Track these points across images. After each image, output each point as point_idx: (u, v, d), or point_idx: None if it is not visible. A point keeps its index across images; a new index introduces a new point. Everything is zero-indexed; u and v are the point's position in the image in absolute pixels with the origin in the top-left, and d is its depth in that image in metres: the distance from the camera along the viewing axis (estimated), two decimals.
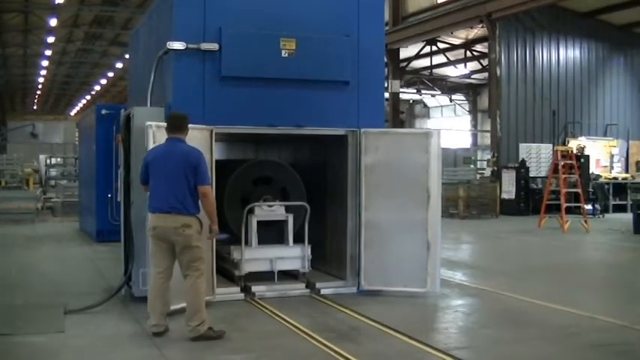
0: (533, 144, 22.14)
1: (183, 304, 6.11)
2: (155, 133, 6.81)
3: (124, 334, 6.29)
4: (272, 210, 8.06)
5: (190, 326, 5.94)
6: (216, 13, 7.61)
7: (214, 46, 7.52)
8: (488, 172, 21.85)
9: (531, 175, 20.93)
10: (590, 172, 20.59)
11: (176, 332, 6.33)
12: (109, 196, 12.13)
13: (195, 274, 6.01)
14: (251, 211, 7.93)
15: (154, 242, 6.14)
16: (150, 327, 6.08)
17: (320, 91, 8.06)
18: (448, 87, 34.53)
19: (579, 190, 16.57)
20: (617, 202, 21.36)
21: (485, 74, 26.73)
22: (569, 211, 16.49)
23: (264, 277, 8.03)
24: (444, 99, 37.30)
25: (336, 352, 5.60)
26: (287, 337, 6.18)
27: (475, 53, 28.79)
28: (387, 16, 22.78)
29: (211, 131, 7.33)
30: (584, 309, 7.30)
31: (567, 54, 23.51)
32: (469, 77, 31.90)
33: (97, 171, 12.91)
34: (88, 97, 54.08)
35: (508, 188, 20.14)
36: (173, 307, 6.44)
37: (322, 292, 7.95)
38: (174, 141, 6.17)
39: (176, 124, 6.22)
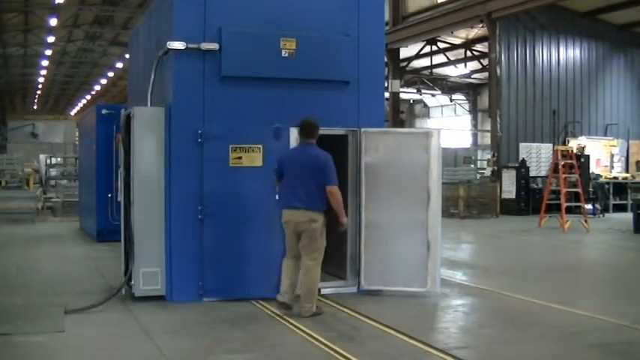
0: (533, 144, 22.15)
1: None
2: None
3: (124, 333, 6.29)
4: None
5: (305, 307, 6.76)
6: (216, 13, 7.61)
7: (214, 46, 7.52)
8: (488, 172, 21.84)
9: (531, 174, 20.93)
10: (591, 171, 20.58)
11: (174, 329, 6.35)
12: (109, 195, 12.14)
13: (313, 262, 6.83)
14: None
15: (287, 233, 6.99)
16: (278, 303, 6.87)
17: (320, 91, 8.06)
18: (448, 87, 34.54)
19: (579, 190, 16.57)
20: (618, 201, 21.36)
21: (486, 74, 26.74)
22: (569, 210, 16.49)
23: None
24: (444, 99, 37.31)
25: (336, 351, 5.60)
26: (287, 336, 6.19)
27: (475, 53, 28.80)
28: (387, 16, 22.78)
29: None
30: (584, 308, 7.31)
31: (567, 54, 23.51)
32: (469, 77, 31.91)
33: (97, 171, 12.91)
34: (88, 97, 54.09)
35: (508, 188, 20.13)
36: None
37: (322, 291, 7.93)
38: (305, 145, 7.00)
39: (307, 130, 7.00)
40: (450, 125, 36.24)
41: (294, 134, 7.74)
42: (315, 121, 7.03)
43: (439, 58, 29.74)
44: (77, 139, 29.52)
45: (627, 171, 23.55)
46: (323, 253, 6.94)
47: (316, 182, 6.74)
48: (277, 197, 7.33)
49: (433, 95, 36.16)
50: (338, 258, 8.38)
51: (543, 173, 21.08)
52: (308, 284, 6.83)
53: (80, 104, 58.46)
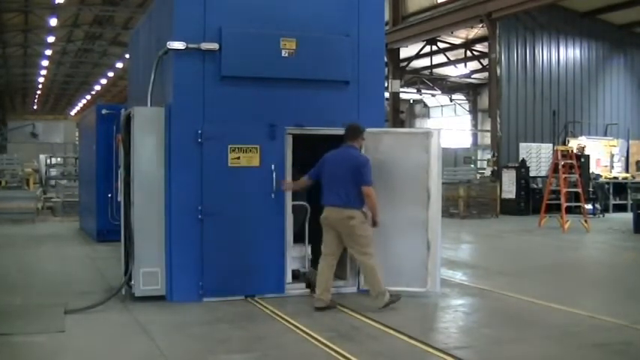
0: (533, 144, 22.14)
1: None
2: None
3: (124, 333, 6.29)
4: None
5: (377, 301, 7.09)
6: (216, 13, 7.60)
7: (214, 46, 7.52)
8: (488, 172, 21.84)
9: (531, 174, 20.92)
10: (591, 171, 20.57)
11: (174, 329, 6.35)
12: (109, 195, 12.14)
13: (364, 257, 7.17)
14: None
15: (325, 230, 7.31)
16: (315, 300, 7.23)
17: (320, 91, 8.06)
18: (448, 87, 34.55)
19: (579, 190, 16.57)
20: (618, 201, 21.35)
21: (486, 74, 26.73)
22: (569, 210, 16.49)
23: None
24: (444, 99, 37.31)
25: (336, 351, 5.60)
26: (287, 336, 6.19)
27: (475, 53, 28.79)
28: (387, 16, 22.77)
29: None
30: (584, 308, 7.31)
31: (567, 54, 23.51)
32: (469, 77, 31.90)
33: (97, 171, 12.90)
34: (88, 97, 54.08)
35: (508, 188, 20.13)
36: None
37: None
38: (346, 147, 7.35)
39: (350, 133, 7.40)
40: (450, 125, 36.24)
41: (290, 136, 7.82)
42: (359, 125, 7.47)
43: (439, 58, 29.73)
44: (77, 139, 29.50)
45: (627, 171, 23.55)
46: (372, 244, 7.23)
47: (355, 182, 7.09)
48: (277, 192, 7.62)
49: (433, 95, 36.16)
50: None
51: (543, 173, 21.07)
52: (368, 280, 7.23)
53: (80, 104, 58.45)
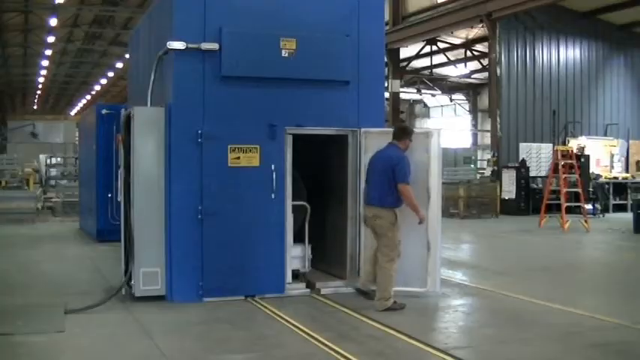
0: (533, 144, 22.13)
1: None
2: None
3: (124, 333, 6.29)
4: None
5: (378, 302, 7.12)
6: (216, 13, 7.60)
7: (214, 46, 7.52)
8: (488, 172, 21.83)
9: (531, 174, 20.90)
10: (591, 171, 20.56)
11: (174, 329, 6.35)
12: (109, 195, 12.13)
13: (385, 258, 7.22)
14: None
15: (365, 227, 7.62)
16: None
17: (320, 91, 8.07)
18: (448, 87, 34.51)
19: (579, 190, 16.57)
20: (618, 201, 21.33)
21: (486, 74, 26.70)
22: (569, 210, 16.49)
23: None
24: (444, 99, 37.27)
25: (336, 351, 5.60)
26: (287, 337, 6.19)
27: (475, 53, 28.77)
28: (387, 16, 22.77)
29: None
30: (584, 308, 7.31)
31: (567, 54, 23.49)
32: (469, 77, 31.88)
33: (97, 171, 12.90)
34: (88, 97, 54.03)
35: (508, 188, 20.12)
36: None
37: (322, 291, 7.96)
38: (388, 145, 7.45)
39: (397, 133, 7.55)
40: (450, 125, 36.22)
41: (290, 136, 7.82)
42: (408, 127, 7.81)
43: (439, 58, 29.71)
44: (77, 139, 29.47)
45: (627, 171, 23.53)
46: (395, 250, 7.28)
47: (387, 180, 7.19)
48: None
49: (433, 95, 36.12)
50: (338, 258, 8.39)
51: (543, 173, 21.06)
52: (379, 281, 7.25)
53: (80, 104, 58.41)
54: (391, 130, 7.84)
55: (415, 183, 7.85)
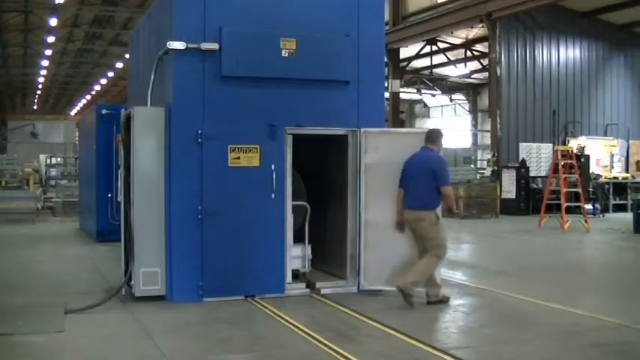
0: (533, 144, 22.13)
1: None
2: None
3: (124, 334, 6.29)
4: None
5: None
6: (216, 13, 7.60)
7: (214, 46, 7.52)
8: (488, 172, 21.83)
9: (531, 174, 20.91)
10: (591, 171, 20.57)
11: (174, 329, 6.35)
12: (109, 195, 12.13)
13: (433, 258, 7.36)
14: None
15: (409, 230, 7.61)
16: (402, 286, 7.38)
17: (320, 91, 8.06)
18: (448, 87, 34.51)
19: (579, 190, 16.57)
20: (618, 201, 21.33)
21: (486, 74, 26.72)
22: (569, 210, 16.49)
23: None
24: (444, 99, 37.28)
25: (336, 351, 5.60)
26: (287, 337, 6.19)
27: (475, 53, 28.78)
28: (387, 16, 22.77)
29: None
30: (584, 308, 7.31)
31: (567, 54, 23.50)
32: (469, 77, 31.89)
33: (97, 171, 12.91)
34: (88, 97, 54.05)
35: (508, 188, 20.12)
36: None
37: (322, 291, 7.96)
38: (423, 149, 7.56)
39: (429, 136, 7.66)
40: (450, 125, 36.22)
41: (290, 136, 7.82)
42: (440, 130, 7.85)
43: (439, 58, 29.72)
44: (77, 139, 29.47)
45: (627, 171, 23.53)
46: (443, 248, 7.45)
47: (428, 182, 7.32)
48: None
49: (433, 95, 36.13)
50: (338, 258, 8.39)
51: (543, 173, 21.07)
52: (418, 270, 7.32)
53: (80, 104, 58.41)
54: (392, 130, 7.87)
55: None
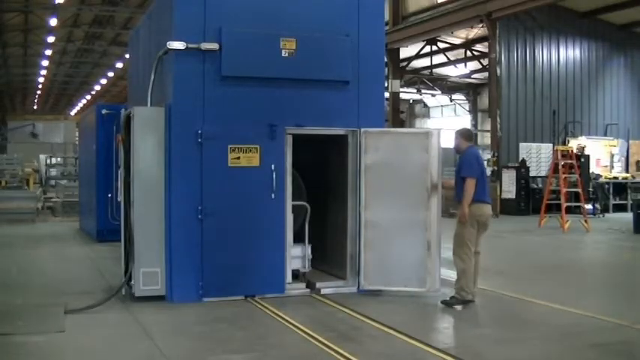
0: (533, 143, 22.13)
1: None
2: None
3: (124, 334, 6.29)
4: None
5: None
6: (216, 13, 7.61)
7: (214, 46, 7.52)
8: (488, 172, 21.79)
9: (531, 174, 20.92)
10: (591, 171, 20.57)
11: (174, 329, 6.35)
12: (109, 195, 12.14)
13: (454, 256, 7.50)
14: None
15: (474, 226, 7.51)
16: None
17: (320, 91, 8.07)
18: (448, 87, 34.48)
19: (579, 190, 16.57)
20: (618, 201, 21.33)
21: (486, 74, 26.69)
22: (569, 210, 16.49)
23: None
24: (444, 99, 37.25)
25: (336, 351, 5.60)
26: (287, 337, 6.19)
27: (475, 53, 28.75)
28: (387, 16, 22.77)
29: None
30: (584, 308, 7.31)
31: (567, 54, 23.49)
32: (469, 77, 31.86)
33: (97, 171, 12.91)
34: (88, 97, 54.06)
35: (508, 188, 20.13)
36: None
37: (323, 291, 7.96)
38: (472, 147, 7.82)
39: (470, 136, 7.97)
40: (450, 125, 36.17)
41: (290, 136, 7.82)
42: (468, 129, 8.33)
43: (439, 58, 29.70)
44: (77, 139, 29.48)
45: (627, 171, 23.53)
46: (464, 247, 7.40)
47: (460, 177, 7.48)
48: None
49: (433, 95, 36.10)
50: (338, 258, 8.39)
51: (543, 173, 21.06)
52: (478, 268, 7.58)
53: (80, 104, 58.42)
54: (392, 130, 7.89)
55: (415, 183, 7.88)
